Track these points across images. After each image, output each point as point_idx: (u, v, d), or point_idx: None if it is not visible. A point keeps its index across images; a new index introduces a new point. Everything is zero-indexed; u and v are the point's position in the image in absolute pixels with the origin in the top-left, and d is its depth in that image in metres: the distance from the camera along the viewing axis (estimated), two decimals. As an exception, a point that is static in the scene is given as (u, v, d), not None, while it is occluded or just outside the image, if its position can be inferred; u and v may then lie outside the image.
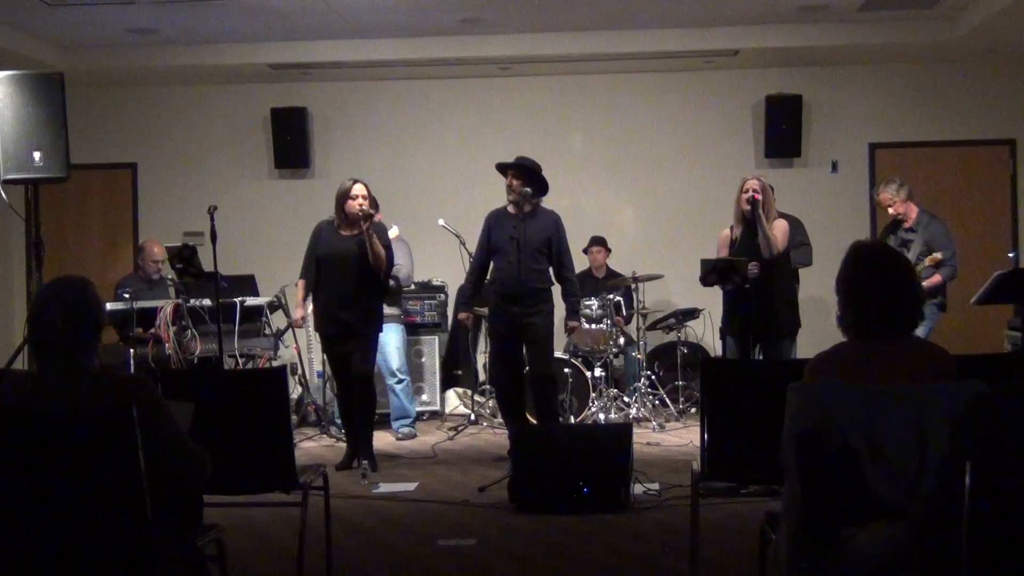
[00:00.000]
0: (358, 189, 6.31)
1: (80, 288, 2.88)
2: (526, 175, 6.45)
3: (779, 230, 6.11)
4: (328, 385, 8.33)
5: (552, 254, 6.50)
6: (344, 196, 6.32)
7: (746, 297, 5.92)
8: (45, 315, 2.82)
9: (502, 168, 6.61)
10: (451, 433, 7.72)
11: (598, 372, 7.82)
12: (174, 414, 2.90)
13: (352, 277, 6.28)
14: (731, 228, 6.20)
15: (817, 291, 8.30)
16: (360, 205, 6.24)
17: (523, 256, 6.31)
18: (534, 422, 6.75)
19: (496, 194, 6.67)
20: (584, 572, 4.41)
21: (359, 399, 6.40)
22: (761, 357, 6.05)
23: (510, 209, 6.47)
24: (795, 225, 7.71)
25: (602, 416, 7.65)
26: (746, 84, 9.52)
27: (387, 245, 6.40)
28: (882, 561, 2.46)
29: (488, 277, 6.76)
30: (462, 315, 6.90)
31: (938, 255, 6.74)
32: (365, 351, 6.37)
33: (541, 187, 6.52)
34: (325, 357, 6.81)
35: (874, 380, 2.64)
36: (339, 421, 7.60)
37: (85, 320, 2.84)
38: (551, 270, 6.55)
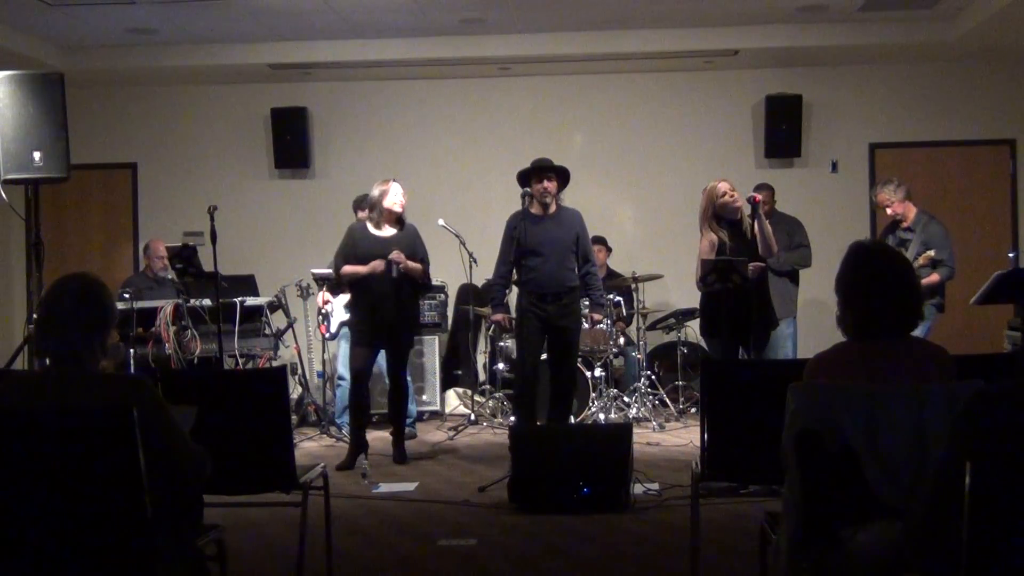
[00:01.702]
0: (397, 188, 6.54)
1: (93, 289, 2.87)
2: (558, 175, 6.46)
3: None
4: (328, 385, 8.33)
5: (579, 251, 6.52)
6: (384, 197, 6.50)
7: (735, 299, 5.88)
8: (55, 316, 2.82)
9: (527, 173, 6.49)
10: (451, 433, 7.73)
11: (598, 372, 7.82)
12: (174, 414, 2.89)
13: (391, 277, 6.38)
14: (710, 234, 6.01)
15: (817, 291, 8.31)
16: (401, 204, 6.50)
17: (560, 255, 6.36)
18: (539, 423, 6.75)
19: (496, 194, 6.68)
20: (584, 572, 4.41)
21: (395, 399, 6.67)
22: (745, 356, 6.02)
23: (534, 210, 6.44)
24: (796, 225, 7.71)
25: (602, 416, 7.65)
26: (746, 84, 9.52)
27: (423, 259, 6.60)
28: (882, 561, 2.46)
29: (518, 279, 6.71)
30: (498, 316, 6.78)
31: (931, 252, 6.74)
32: (402, 349, 6.61)
33: (567, 182, 6.58)
34: (349, 352, 6.74)
35: (874, 380, 2.64)
36: (339, 420, 7.61)
37: (97, 323, 2.84)
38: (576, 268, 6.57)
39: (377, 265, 6.36)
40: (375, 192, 6.56)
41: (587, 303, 6.85)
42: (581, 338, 7.62)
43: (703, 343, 8.80)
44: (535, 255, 6.37)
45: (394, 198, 6.51)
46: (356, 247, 6.49)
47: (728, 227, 5.98)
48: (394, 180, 6.60)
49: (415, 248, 6.58)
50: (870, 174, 9.45)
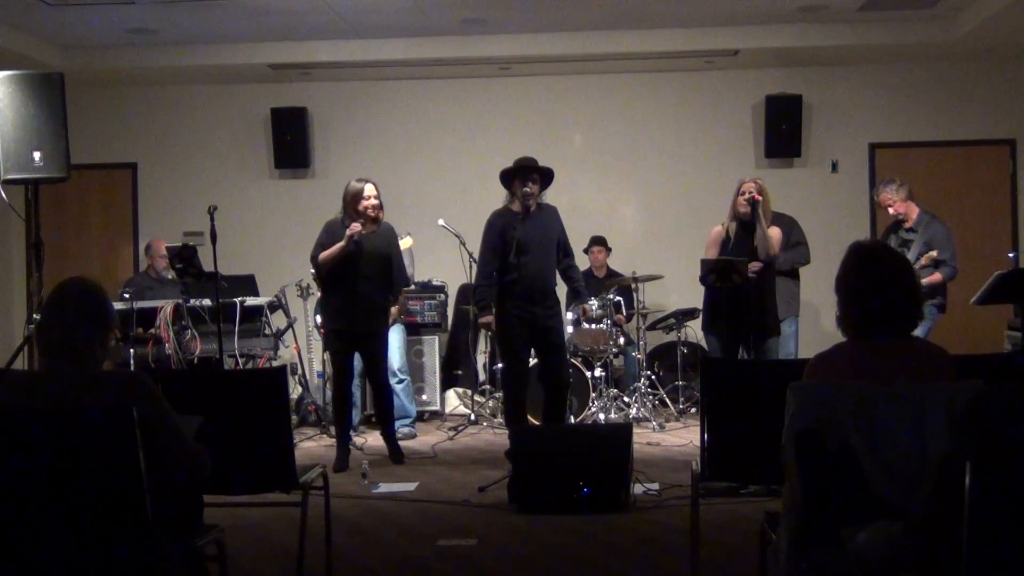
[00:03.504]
0: (369, 190, 6.41)
1: (93, 291, 2.90)
2: (542, 177, 6.41)
3: (774, 235, 6.14)
4: (328, 385, 8.33)
5: (561, 247, 6.52)
6: (356, 198, 6.39)
7: (735, 297, 5.91)
8: (56, 316, 2.83)
9: (510, 174, 6.42)
10: (451, 433, 7.73)
11: (598, 372, 7.82)
12: (173, 412, 2.90)
13: (366, 275, 6.36)
14: (723, 226, 6.19)
15: (817, 291, 8.31)
16: (372, 206, 6.37)
17: (545, 254, 6.34)
18: (534, 422, 6.75)
19: (496, 194, 6.64)
20: (584, 572, 4.41)
21: (381, 398, 6.63)
22: (745, 356, 6.04)
23: (515, 208, 6.40)
24: (791, 224, 7.70)
25: (602, 416, 7.65)
26: (746, 84, 9.52)
27: (397, 258, 6.56)
28: (882, 561, 2.46)
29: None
30: (487, 318, 6.57)
31: (934, 253, 6.74)
32: (378, 350, 6.54)
33: (550, 179, 6.51)
34: (327, 354, 6.77)
35: (874, 380, 2.64)
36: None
37: (97, 323, 2.86)
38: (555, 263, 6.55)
39: (355, 227, 6.24)
40: (349, 191, 6.45)
41: (574, 304, 6.84)
42: (582, 338, 7.66)
43: (703, 341, 8.88)
44: (523, 254, 6.29)
45: (367, 201, 6.38)
46: (335, 242, 6.37)
47: (741, 224, 6.03)
48: (368, 181, 6.46)
49: (392, 247, 6.54)
50: (870, 174, 9.45)
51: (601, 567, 4.44)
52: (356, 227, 6.26)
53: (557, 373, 6.46)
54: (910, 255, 6.72)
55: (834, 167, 9.54)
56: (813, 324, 8.31)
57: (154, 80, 9.68)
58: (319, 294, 7.91)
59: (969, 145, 9.43)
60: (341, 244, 6.27)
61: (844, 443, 2.53)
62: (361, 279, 6.36)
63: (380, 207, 6.50)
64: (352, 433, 7.32)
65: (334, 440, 7.42)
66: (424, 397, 8.63)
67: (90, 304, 2.87)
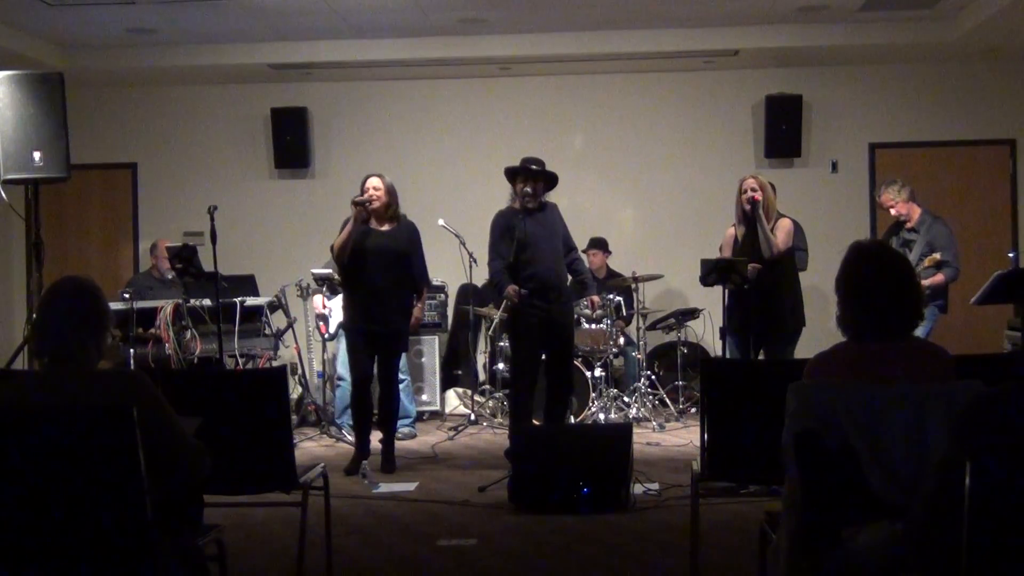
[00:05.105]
0: (371, 181, 6.41)
1: (87, 290, 2.89)
2: (545, 179, 6.38)
3: (782, 229, 6.10)
4: (328, 385, 8.33)
5: (565, 242, 6.53)
6: (360, 190, 6.40)
7: (749, 297, 5.92)
8: (51, 316, 2.83)
9: (515, 171, 6.41)
10: (451, 433, 7.73)
11: (598, 372, 7.82)
12: (172, 410, 2.89)
13: (386, 272, 6.31)
14: (735, 227, 6.20)
15: (816, 291, 8.30)
16: (370, 197, 6.32)
17: (554, 249, 6.34)
18: (535, 422, 6.75)
19: (496, 194, 6.64)
20: (584, 572, 4.41)
21: (386, 399, 6.49)
22: (762, 357, 6.04)
23: (517, 206, 6.33)
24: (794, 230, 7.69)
25: (602, 416, 7.65)
26: (746, 84, 9.52)
27: (419, 256, 6.53)
28: (882, 561, 2.46)
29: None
30: (512, 288, 6.23)
31: (937, 255, 6.74)
32: (393, 351, 6.46)
33: (553, 183, 6.49)
34: (348, 354, 6.72)
35: (874, 380, 2.64)
36: (339, 421, 7.61)
37: (92, 322, 2.85)
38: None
39: (360, 211, 6.25)
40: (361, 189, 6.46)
41: (584, 300, 6.82)
42: (582, 338, 7.65)
43: (703, 341, 8.88)
44: (529, 251, 6.25)
45: (367, 193, 6.35)
46: (355, 241, 6.35)
47: (748, 224, 6.03)
48: (375, 175, 6.45)
49: (412, 244, 6.50)
50: (870, 174, 9.45)
51: (601, 567, 4.45)
52: (360, 197, 6.27)
53: (565, 373, 6.46)
54: (912, 256, 6.72)
55: (834, 167, 9.54)
56: (813, 324, 8.27)
57: (154, 80, 9.68)
58: (315, 300, 7.94)
59: (969, 145, 9.42)
60: (351, 224, 6.26)
61: (844, 443, 2.53)
62: (378, 277, 6.30)
63: (383, 199, 6.38)
64: None
65: (334, 440, 7.45)
66: (424, 397, 8.63)
67: (83, 304, 2.85)
